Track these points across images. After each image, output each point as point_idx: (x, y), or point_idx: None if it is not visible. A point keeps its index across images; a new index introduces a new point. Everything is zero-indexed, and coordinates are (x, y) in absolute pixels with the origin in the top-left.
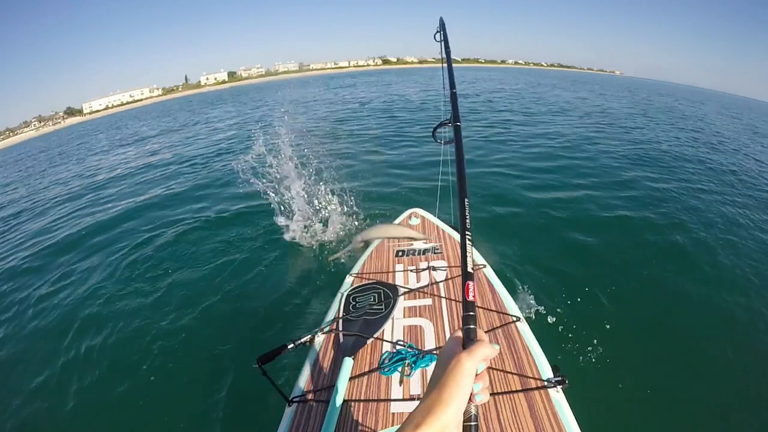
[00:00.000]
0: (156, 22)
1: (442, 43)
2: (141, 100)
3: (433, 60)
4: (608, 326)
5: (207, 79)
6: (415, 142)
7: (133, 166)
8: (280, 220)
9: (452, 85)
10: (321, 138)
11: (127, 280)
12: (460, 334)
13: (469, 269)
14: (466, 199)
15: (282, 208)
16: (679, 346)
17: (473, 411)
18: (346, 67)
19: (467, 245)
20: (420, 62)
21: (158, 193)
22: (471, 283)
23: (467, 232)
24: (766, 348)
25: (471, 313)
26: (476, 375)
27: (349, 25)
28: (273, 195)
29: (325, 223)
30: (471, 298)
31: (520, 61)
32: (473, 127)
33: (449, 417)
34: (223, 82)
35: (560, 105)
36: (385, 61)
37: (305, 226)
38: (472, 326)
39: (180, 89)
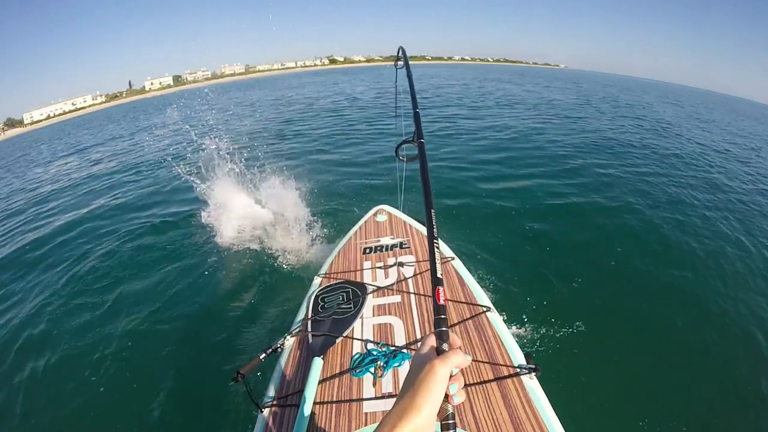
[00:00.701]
0: (98, 26)
1: (405, 68)
2: (84, 108)
3: (380, 58)
4: (570, 310)
5: (152, 84)
6: (364, 139)
7: (76, 177)
8: (235, 224)
9: (415, 106)
10: (269, 140)
11: (76, 295)
12: (433, 338)
13: (438, 275)
14: (432, 210)
15: (235, 212)
16: (637, 323)
17: (450, 410)
18: (293, 67)
19: (435, 252)
20: (367, 60)
21: (103, 203)
22: (441, 288)
23: (435, 241)
24: (715, 318)
25: (442, 317)
26: (452, 376)
27: (296, 26)
28: (223, 198)
29: (285, 226)
30: (442, 302)
31: (466, 57)
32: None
33: (422, 420)
34: (168, 86)
35: (507, 98)
36: (333, 61)
37: (265, 230)
38: (444, 329)
39: (124, 95)
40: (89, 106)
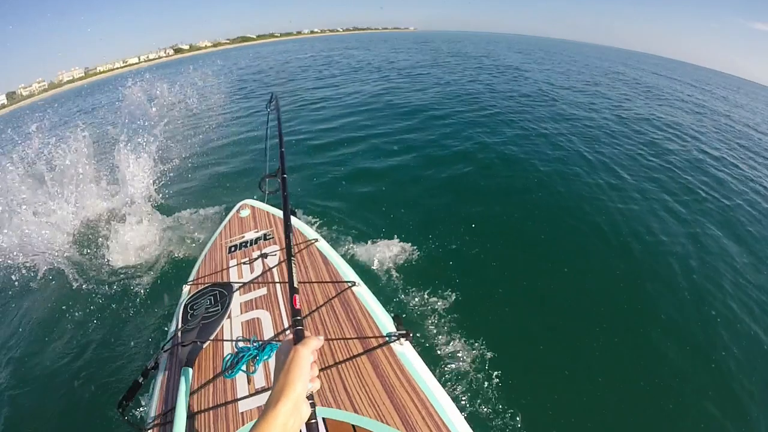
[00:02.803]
0: None
1: (276, 113)
2: None
3: (228, 41)
4: (440, 269)
5: None
6: (220, 132)
7: None
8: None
9: (281, 145)
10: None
11: None
12: (291, 336)
13: (295, 285)
14: (291, 234)
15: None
16: (510, 279)
17: (308, 391)
18: (136, 63)
19: (292, 264)
20: (214, 45)
21: None
22: (297, 296)
23: (292, 257)
24: (604, 266)
25: (298, 318)
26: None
27: (133, 17)
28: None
29: (149, 240)
30: (297, 306)
31: (316, 30)
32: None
33: (298, 392)
34: (3, 106)
35: (352, 65)
36: (178, 50)
37: (125, 247)
38: (299, 328)
39: None
40: None
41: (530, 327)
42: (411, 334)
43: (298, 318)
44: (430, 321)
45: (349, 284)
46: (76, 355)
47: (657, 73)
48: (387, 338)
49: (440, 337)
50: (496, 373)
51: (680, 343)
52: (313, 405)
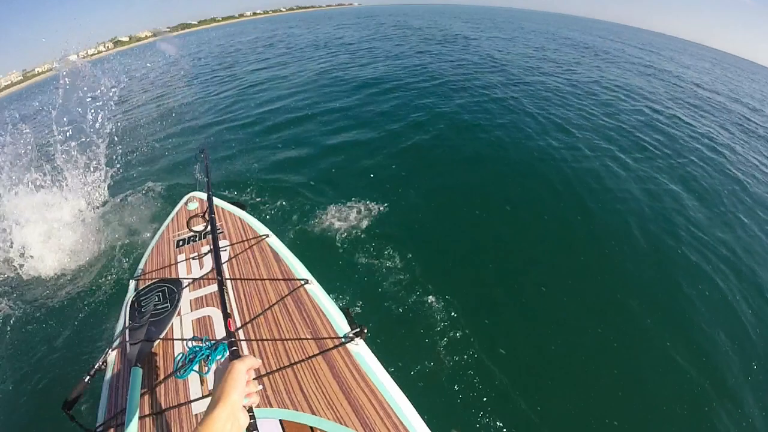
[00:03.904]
0: None
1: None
2: None
3: (168, 29)
4: (396, 263)
5: None
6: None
7: None
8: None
9: (209, 189)
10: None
11: None
12: (229, 356)
13: (228, 310)
14: (219, 278)
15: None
16: (463, 271)
17: (247, 404)
18: (74, 60)
19: (223, 293)
20: (154, 35)
21: None
22: (231, 320)
23: (223, 287)
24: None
25: (233, 340)
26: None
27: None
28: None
29: (92, 231)
30: (232, 329)
31: (258, 12)
32: (200, 91)
33: (234, 399)
34: None
35: (298, 44)
36: (117, 43)
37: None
38: (234, 348)
39: None
40: None
41: (491, 304)
42: (365, 330)
43: (233, 340)
44: (383, 308)
45: (302, 282)
46: (17, 358)
47: (604, 37)
48: (342, 339)
49: (394, 327)
50: (452, 363)
51: (641, 297)
52: (252, 417)
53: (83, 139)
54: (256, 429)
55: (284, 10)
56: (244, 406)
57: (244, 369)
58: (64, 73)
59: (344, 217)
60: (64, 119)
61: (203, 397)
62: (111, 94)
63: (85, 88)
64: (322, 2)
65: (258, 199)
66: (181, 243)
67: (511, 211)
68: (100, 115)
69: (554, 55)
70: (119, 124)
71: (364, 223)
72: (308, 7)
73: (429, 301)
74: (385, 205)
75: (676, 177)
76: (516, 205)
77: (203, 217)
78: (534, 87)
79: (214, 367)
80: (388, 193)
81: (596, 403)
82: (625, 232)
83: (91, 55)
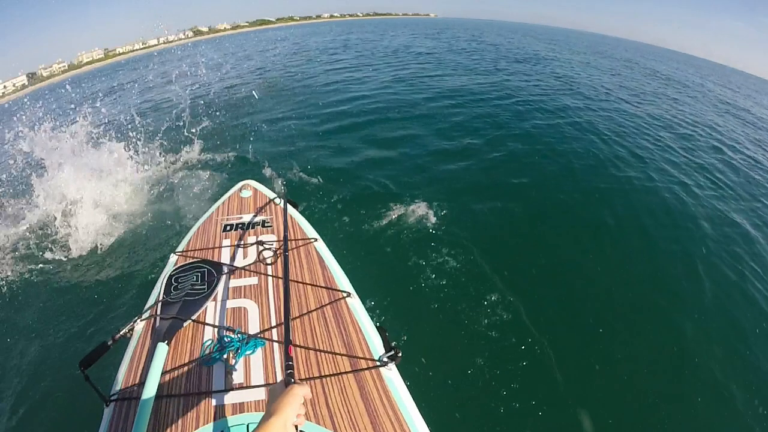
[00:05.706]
0: None
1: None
2: None
3: (247, 24)
4: (432, 294)
5: (4, 87)
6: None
7: None
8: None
9: (286, 239)
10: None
11: None
12: (282, 378)
13: (291, 338)
14: (285, 286)
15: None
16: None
17: (296, 422)
18: (155, 45)
19: (289, 325)
20: (233, 28)
21: None
22: (292, 346)
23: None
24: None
25: (290, 363)
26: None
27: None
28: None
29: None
30: (291, 354)
31: (335, 14)
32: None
33: (289, 415)
34: (24, 87)
35: (372, 51)
36: (197, 32)
37: (117, 206)
38: (291, 372)
39: None
40: None
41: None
42: (399, 354)
43: (290, 363)
44: (419, 348)
45: (344, 294)
46: (48, 311)
47: (683, 70)
48: (377, 362)
49: (430, 358)
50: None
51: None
52: None
53: (151, 118)
54: None
55: (361, 15)
56: (294, 425)
57: (302, 394)
58: (155, 54)
59: (399, 232)
60: (144, 97)
61: (225, 390)
62: (189, 82)
63: (168, 71)
64: (399, 10)
65: (311, 200)
66: (228, 228)
67: (591, 239)
68: (174, 98)
69: (634, 84)
70: (189, 108)
71: (419, 241)
72: (384, 15)
73: (481, 331)
74: (444, 223)
75: (753, 220)
76: (596, 234)
77: (255, 207)
78: (619, 116)
79: (242, 361)
80: (449, 209)
81: None
82: (690, 267)
83: (171, 41)
